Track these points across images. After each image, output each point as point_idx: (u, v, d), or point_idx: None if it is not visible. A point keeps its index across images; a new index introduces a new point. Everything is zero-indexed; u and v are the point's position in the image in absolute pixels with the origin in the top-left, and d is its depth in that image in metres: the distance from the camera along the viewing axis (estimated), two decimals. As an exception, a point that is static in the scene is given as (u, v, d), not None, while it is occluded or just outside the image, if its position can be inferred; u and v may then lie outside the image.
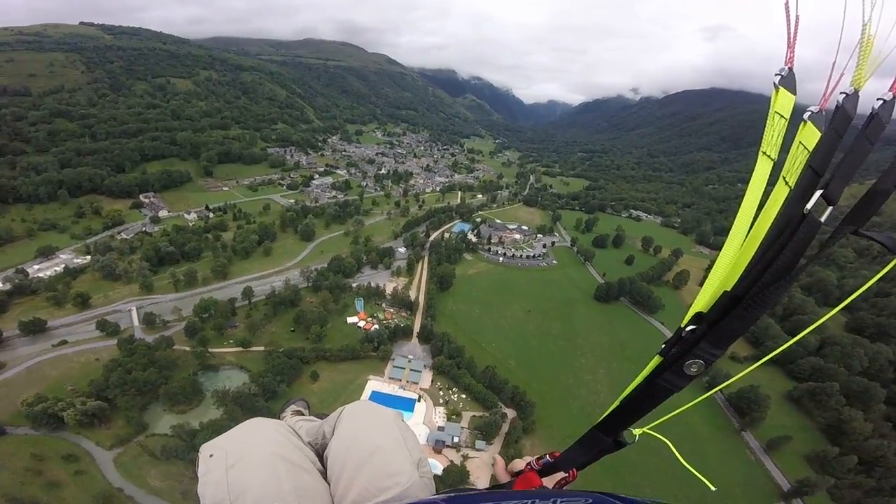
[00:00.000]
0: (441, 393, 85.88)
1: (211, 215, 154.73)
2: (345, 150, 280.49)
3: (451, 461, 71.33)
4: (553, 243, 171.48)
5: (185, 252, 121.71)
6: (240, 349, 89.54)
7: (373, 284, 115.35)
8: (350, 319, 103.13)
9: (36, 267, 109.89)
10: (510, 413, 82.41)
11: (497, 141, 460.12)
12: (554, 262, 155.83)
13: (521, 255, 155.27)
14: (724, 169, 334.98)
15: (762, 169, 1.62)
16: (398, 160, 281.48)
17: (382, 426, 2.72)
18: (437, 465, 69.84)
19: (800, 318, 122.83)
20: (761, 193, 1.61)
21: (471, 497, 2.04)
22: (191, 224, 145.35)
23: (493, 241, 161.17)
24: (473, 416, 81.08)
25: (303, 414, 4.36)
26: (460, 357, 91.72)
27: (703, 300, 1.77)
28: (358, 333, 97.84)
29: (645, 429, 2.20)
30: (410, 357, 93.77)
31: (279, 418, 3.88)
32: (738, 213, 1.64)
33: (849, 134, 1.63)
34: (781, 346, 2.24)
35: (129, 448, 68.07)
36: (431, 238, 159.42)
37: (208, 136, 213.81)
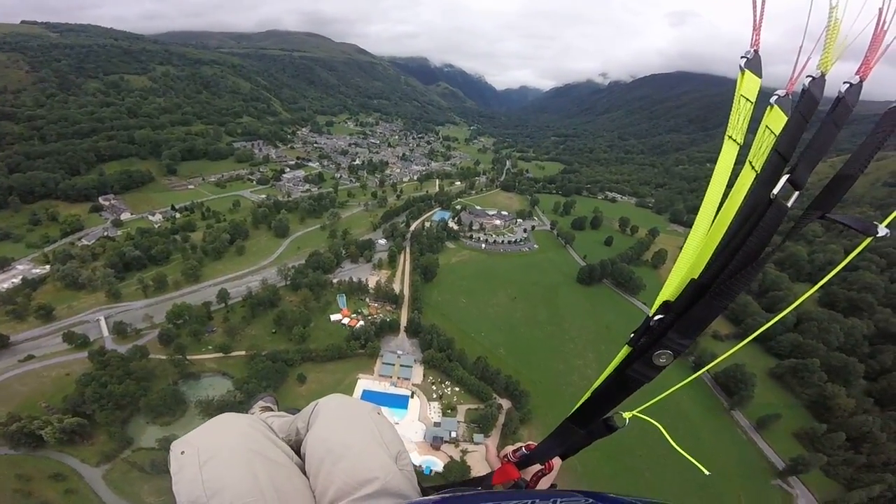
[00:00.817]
0: (434, 387, 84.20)
1: (177, 216, 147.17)
2: (316, 142, 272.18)
3: (451, 457, 70.21)
4: (533, 227, 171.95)
5: (153, 256, 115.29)
6: (220, 355, 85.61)
7: (354, 279, 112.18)
8: (333, 317, 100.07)
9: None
10: (505, 403, 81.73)
11: (472, 127, 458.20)
12: (535, 246, 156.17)
13: (502, 241, 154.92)
14: (693, 150, 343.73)
15: (728, 153, 1.59)
16: (372, 150, 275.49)
17: (358, 420, 2.66)
18: (438, 463, 68.73)
19: (776, 294, 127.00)
20: (727, 178, 1.58)
21: (465, 498, 2.00)
22: (156, 226, 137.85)
23: (474, 227, 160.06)
24: (469, 409, 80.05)
25: (272, 409, 4.18)
26: (451, 349, 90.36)
27: (670, 288, 1.73)
28: (343, 331, 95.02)
29: (634, 412, 2.14)
30: (399, 352, 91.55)
31: (250, 412, 3.82)
32: (705, 199, 1.62)
33: (815, 118, 1.63)
34: (763, 323, 2.17)
35: (116, 464, 64.81)
36: (412, 228, 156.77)
37: (169, 133, 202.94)
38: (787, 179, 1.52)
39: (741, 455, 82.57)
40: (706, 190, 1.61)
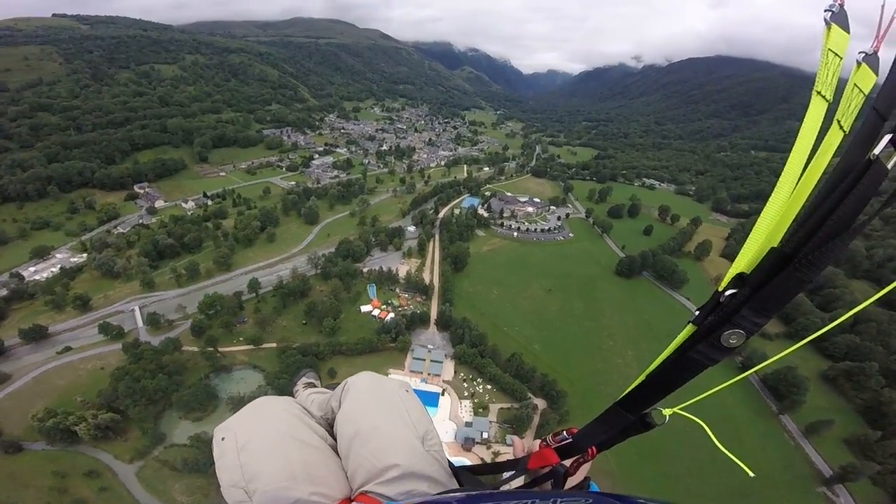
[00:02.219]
0: (465, 385, 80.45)
1: (209, 203, 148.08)
2: (343, 128, 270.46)
3: (482, 459, 66.78)
4: (567, 215, 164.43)
5: (185, 244, 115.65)
6: (251, 347, 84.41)
7: (384, 268, 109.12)
8: (363, 308, 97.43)
9: (32, 269, 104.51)
10: (540, 404, 77.52)
11: (498, 112, 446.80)
12: (570, 234, 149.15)
13: (535, 229, 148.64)
14: (735, 136, 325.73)
15: (816, 110, 1.46)
16: (399, 135, 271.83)
17: (386, 400, 2.67)
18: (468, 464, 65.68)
19: (831, 291, 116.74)
20: (814, 137, 1.47)
21: (464, 498, 1.96)
22: (189, 213, 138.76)
23: (504, 215, 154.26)
24: (501, 408, 76.36)
25: (314, 386, 4.19)
26: (483, 345, 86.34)
27: (745, 259, 1.55)
28: (373, 323, 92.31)
29: (676, 409, 1.96)
30: (430, 347, 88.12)
31: (292, 393, 3.94)
32: (789, 159, 1.47)
33: None
34: (818, 323, 2.10)
35: (149, 461, 64.45)
36: (441, 215, 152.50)
37: (200, 121, 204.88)
38: (890, 140, 1.37)
39: (787, 461, 77.06)
40: (790, 150, 1.47)
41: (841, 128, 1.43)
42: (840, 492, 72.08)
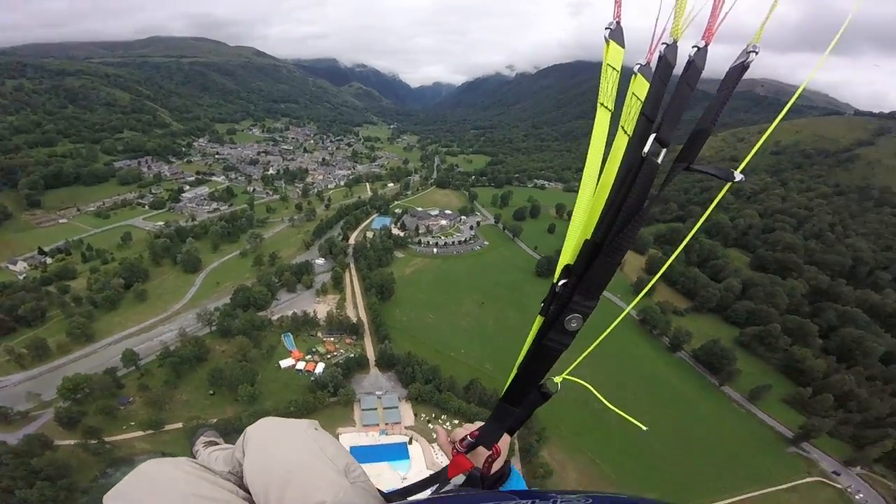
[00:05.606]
0: (431, 426, 71.77)
1: (48, 260, 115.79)
2: (218, 153, 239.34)
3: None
4: (478, 223, 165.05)
5: (21, 317, 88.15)
6: (150, 432, 67.10)
7: (298, 312, 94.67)
8: (284, 363, 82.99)
9: None
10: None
11: (392, 126, 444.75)
12: (486, 242, 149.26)
13: (453, 242, 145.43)
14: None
15: (602, 119, 1.68)
16: (286, 157, 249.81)
17: (294, 440, 2.48)
18: None
19: (715, 262, 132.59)
20: (604, 143, 1.69)
21: (465, 498, 2.06)
22: (21, 277, 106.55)
23: (420, 231, 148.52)
24: None
25: (216, 443, 3.81)
26: (438, 378, 78.80)
27: (568, 252, 1.79)
28: (300, 379, 79.19)
29: (564, 375, 2.27)
30: (378, 393, 77.90)
31: (192, 455, 3.58)
32: (587, 163, 1.70)
33: (673, 81, 1.73)
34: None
35: None
36: (352, 241, 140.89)
37: (26, 157, 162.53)
38: (655, 139, 1.61)
39: (748, 429, 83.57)
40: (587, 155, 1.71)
41: (625, 132, 1.70)
42: (809, 448, 79.42)
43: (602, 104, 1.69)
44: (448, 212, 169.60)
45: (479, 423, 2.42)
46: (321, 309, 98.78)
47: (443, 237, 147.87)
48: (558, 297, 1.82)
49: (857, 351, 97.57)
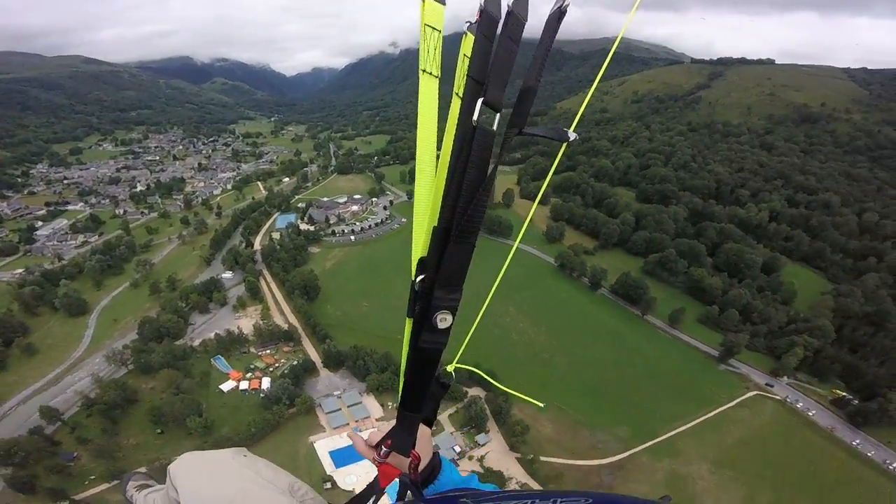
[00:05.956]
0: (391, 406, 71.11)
1: None
2: (66, 178, 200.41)
3: (473, 472, 59.54)
4: (391, 202, 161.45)
5: None
6: (116, 482, 61.39)
7: (221, 332, 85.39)
8: (224, 387, 76.17)
9: None
10: (479, 393, 74.49)
11: (272, 119, 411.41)
12: (403, 220, 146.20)
13: (369, 226, 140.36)
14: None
15: (427, 88, 1.49)
16: (154, 169, 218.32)
17: (224, 473, 2.36)
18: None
19: (608, 200, 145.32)
20: (435, 114, 1.51)
21: (481, 496, 1.99)
22: None
23: (331, 221, 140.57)
24: (450, 415, 71.34)
25: (149, 485, 3.53)
26: (392, 364, 76.55)
27: (419, 245, 1.63)
28: (249, 399, 73.68)
29: (454, 364, 2.27)
30: (336, 392, 74.61)
31: (127, 501, 3.36)
32: (419, 140, 1.54)
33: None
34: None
35: None
36: (257, 246, 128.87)
37: None
38: (483, 102, 1.40)
39: (679, 353, 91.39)
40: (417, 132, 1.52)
41: (460, 98, 1.47)
42: (737, 364, 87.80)
43: (424, 71, 1.48)
44: (357, 196, 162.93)
45: (392, 423, 2.21)
46: (244, 323, 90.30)
47: (357, 223, 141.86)
48: (419, 295, 1.64)
49: (741, 264, 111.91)
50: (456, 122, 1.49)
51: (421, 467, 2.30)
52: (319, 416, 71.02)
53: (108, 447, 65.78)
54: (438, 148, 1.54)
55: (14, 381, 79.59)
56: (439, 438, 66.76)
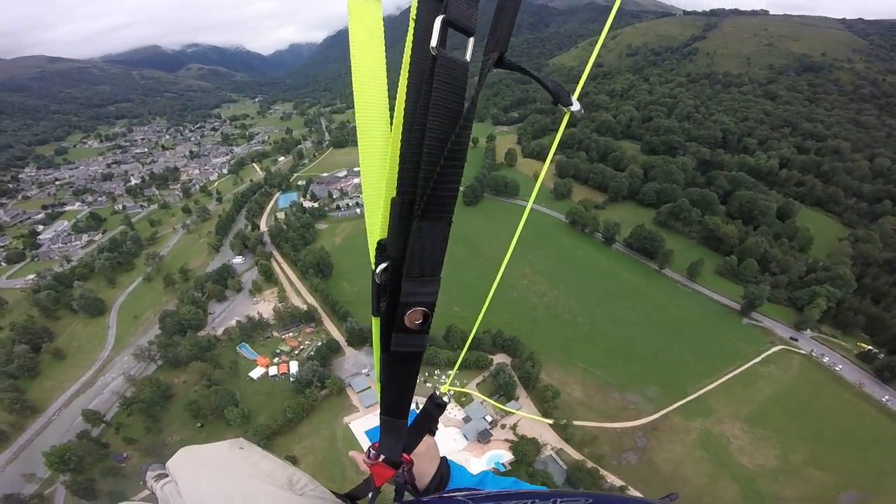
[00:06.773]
0: (428, 385, 69.08)
1: None
2: (57, 179, 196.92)
3: (506, 440, 62.17)
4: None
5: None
6: None
7: (241, 319, 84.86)
8: (254, 374, 75.94)
9: None
10: (505, 360, 74.29)
11: (257, 100, 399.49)
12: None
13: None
14: (477, 63, 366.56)
15: (360, 11, 1.19)
16: (145, 161, 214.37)
17: (220, 467, 2.31)
18: (503, 454, 60.23)
19: (615, 154, 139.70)
20: (381, 46, 1.19)
21: (480, 496, 1.90)
22: None
23: (334, 196, 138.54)
24: (477, 384, 70.57)
25: (166, 475, 3.24)
26: None
27: (375, 224, 1.29)
28: (280, 384, 73.63)
29: (446, 386, 2.26)
30: (365, 370, 74.59)
31: (149, 490, 3.34)
32: (355, 85, 1.17)
33: None
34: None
35: None
36: (263, 228, 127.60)
37: None
38: (444, 21, 0.99)
39: (698, 307, 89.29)
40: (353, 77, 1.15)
41: (413, 20, 1.11)
42: (760, 318, 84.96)
43: None
44: (357, 169, 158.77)
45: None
46: (264, 308, 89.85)
47: (360, 195, 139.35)
48: (381, 289, 1.28)
49: (756, 211, 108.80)
50: (410, 52, 1.10)
51: (428, 477, 2.25)
52: (351, 395, 70.99)
53: (155, 445, 66.24)
54: (392, 95, 1.14)
55: (51, 387, 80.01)
56: (470, 409, 66.65)
